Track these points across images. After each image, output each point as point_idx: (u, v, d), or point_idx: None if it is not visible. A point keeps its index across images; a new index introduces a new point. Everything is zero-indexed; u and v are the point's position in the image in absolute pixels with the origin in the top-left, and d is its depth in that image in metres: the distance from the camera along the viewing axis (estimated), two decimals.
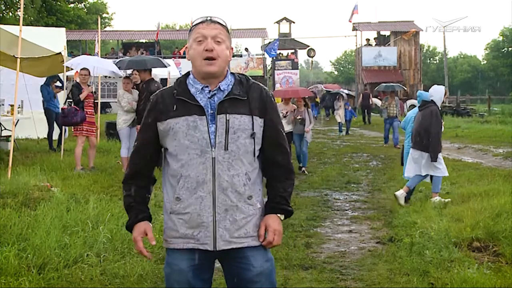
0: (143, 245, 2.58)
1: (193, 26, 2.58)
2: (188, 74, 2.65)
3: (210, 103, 2.52)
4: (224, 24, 2.58)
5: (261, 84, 2.69)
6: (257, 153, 2.58)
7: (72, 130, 10.19)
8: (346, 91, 25.79)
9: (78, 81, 10.25)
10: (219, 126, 2.49)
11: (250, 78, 2.67)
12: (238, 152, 2.51)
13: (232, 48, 2.66)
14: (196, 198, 2.50)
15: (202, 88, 2.55)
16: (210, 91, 2.55)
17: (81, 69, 10.23)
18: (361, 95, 28.17)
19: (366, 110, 27.08)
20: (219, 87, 2.55)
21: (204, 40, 2.51)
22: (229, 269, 2.63)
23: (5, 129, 12.31)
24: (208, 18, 2.56)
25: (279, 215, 2.63)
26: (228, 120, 2.49)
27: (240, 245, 2.54)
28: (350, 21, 39.23)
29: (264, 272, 2.58)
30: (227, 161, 2.49)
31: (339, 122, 21.93)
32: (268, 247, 2.60)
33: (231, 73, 2.65)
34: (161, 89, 2.71)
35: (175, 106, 2.52)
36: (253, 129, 2.53)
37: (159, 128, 2.56)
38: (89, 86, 10.23)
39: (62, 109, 10.28)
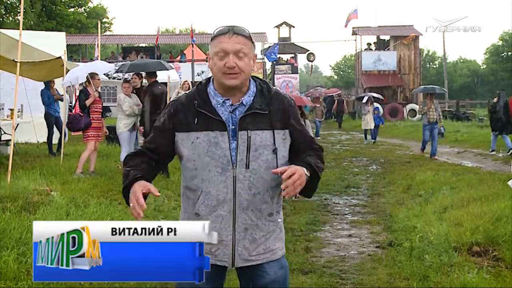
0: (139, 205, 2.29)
1: (214, 35, 2.46)
2: (209, 81, 2.56)
3: (232, 118, 2.45)
4: (247, 35, 2.45)
5: (282, 92, 2.60)
6: (279, 167, 2.50)
7: (83, 137, 10.22)
8: (375, 95, 23.95)
9: (85, 86, 10.29)
10: (240, 143, 2.42)
11: (271, 86, 2.59)
12: (259, 170, 2.45)
13: (256, 55, 2.55)
14: (216, 216, 2.45)
15: (223, 101, 2.47)
16: (231, 105, 2.46)
17: (91, 74, 10.27)
18: (336, 101, 29.79)
19: (340, 116, 29.21)
20: (241, 101, 2.47)
21: (225, 55, 2.40)
22: (244, 275, 2.61)
23: (5, 133, 12.30)
24: (231, 29, 2.42)
25: (305, 169, 2.42)
26: (250, 137, 2.43)
27: (259, 262, 2.53)
28: (346, 27, 39.17)
29: (277, 279, 2.56)
30: (248, 180, 2.44)
31: (365, 129, 19.85)
32: (287, 185, 2.32)
33: (253, 79, 2.57)
34: (181, 94, 2.63)
35: (196, 119, 2.45)
36: (274, 145, 2.47)
37: (178, 137, 2.49)
38: (96, 91, 10.26)
39: (68, 115, 10.31)
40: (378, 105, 22.58)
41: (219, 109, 2.46)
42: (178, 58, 36.49)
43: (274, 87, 2.60)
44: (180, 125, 2.48)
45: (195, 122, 2.45)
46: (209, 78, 2.57)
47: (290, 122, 2.53)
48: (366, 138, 19.81)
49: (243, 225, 2.46)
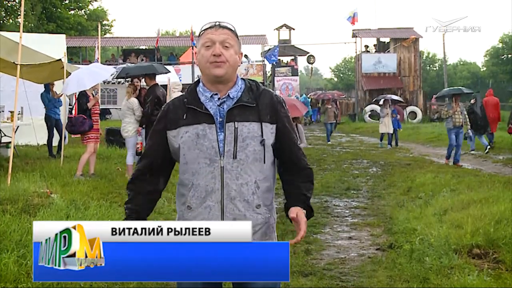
0: None
1: (201, 31, 2.57)
2: (198, 81, 2.64)
3: (219, 111, 2.51)
4: (233, 29, 2.56)
5: (271, 90, 2.67)
6: (267, 160, 2.55)
7: (82, 140, 10.23)
8: (394, 97, 22.58)
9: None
10: (227, 134, 2.47)
11: (260, 84, 2.66)
12: (247, 160, 2.48)
13: (242, 53, 2.64)
14: (205, 207, 2.49)
15: (211, 96, 2.54)
16: (219, 98, 2.53)
17: None
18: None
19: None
20: (228, 94, 2.53)
21: (212, 45, 2.49)
22: None
23: (5, 135, 12.31)
24: (217, 23, 2.54)
25: (303, 209, 2.57)
26: (237, 128, 2.48)
27: None
28: (353, 23, 38.83)
29: (269, 283, 2.52)
30: (236, 170, 2.47)
31: (381, 133, 18.66)
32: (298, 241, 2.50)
33: (242, 79, 2.63)
34: (173, 98, 2.70)
35: (185, 115, 2.52)
36: (262, 136, 2.51)
37: (169, 136, 2.56)
38: (94, 96, 10.28)
39: (69, 117, 10.29)
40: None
41: (207, 104, 2.53)
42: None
43: (263, 86, 2.65)
44: (171, 123, 2.55)
45: (184, 118, 2.52)
46: (199, 79, 2.66)
47: (279, 120, 2.57)
48: (381, 141, 18.83)
49: (231, 216, 2.48)
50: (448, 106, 13.73)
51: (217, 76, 2.50)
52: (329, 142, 20.40)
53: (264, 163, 2.54)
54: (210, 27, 2.53)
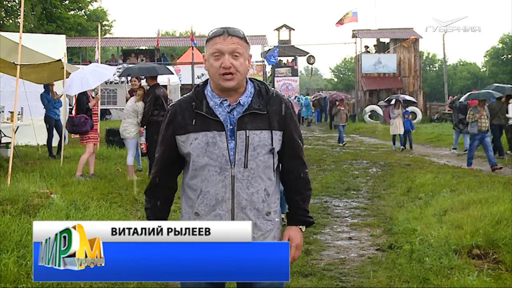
0: None
1: (209, 37, 2.50)
2: (206, 83, 2.59)
3: (230, 118, 2.47)
4: (241, 35, 2.49)
5: (280, 94, 2.63)
6: (275, 166, 2.55)
7: (81, 140, 10.21)
8: (407, 97, 21.66)
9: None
10: (238, 143, 2.44)
11: (269, 87, 2.62)
12: (257, 169, 2.47)
13: (251, 55, 2.59)
14: (214, 215, 2.47)
15: (221, 102, 2.49)
16: (229, 105, 2.49)
17: None
18: (329, 103, 30.26)
19: (333, 117, 28.20)
20: (239, 101, 2.49)
21: (221, 56, 2.44)
22: None
23: (5, 136, 12.31)
24: (225, 31, 2.46)
25: (300, 226, 2.64)
26: (248, 136, 2.45)
27: None
28: (336, 24, 38.65)
29: (274, 283, 2.55)
30: (247, 179, 2.46)
31: (393, 135, 18.04)
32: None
33: (250, 80, 2.59)
34: (179, 98, 2.66)
35: (194, 121, 2.48)
36: (272, 145, 2.49)
37: (179, 141, 2.53)
38: (93, 98, 10.30)
39: (70, 117, 10.28)
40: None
41: (216, 110, 2.49)
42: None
43: (272, 89, 2.63)
44: (179, 128, 2.51)
45: (193, 124, 2.48)
46: (207, 80, 2.60)
47: (287, 126, 2.56)
48: (394, 144, 18.14)
49: None
50: (474, 110, 12.84)
51: (228, 88, 2.47)
52: (336, 143, 20.02)
53: (273, 170, 2.54)
54: (218, 35, 2.46)
